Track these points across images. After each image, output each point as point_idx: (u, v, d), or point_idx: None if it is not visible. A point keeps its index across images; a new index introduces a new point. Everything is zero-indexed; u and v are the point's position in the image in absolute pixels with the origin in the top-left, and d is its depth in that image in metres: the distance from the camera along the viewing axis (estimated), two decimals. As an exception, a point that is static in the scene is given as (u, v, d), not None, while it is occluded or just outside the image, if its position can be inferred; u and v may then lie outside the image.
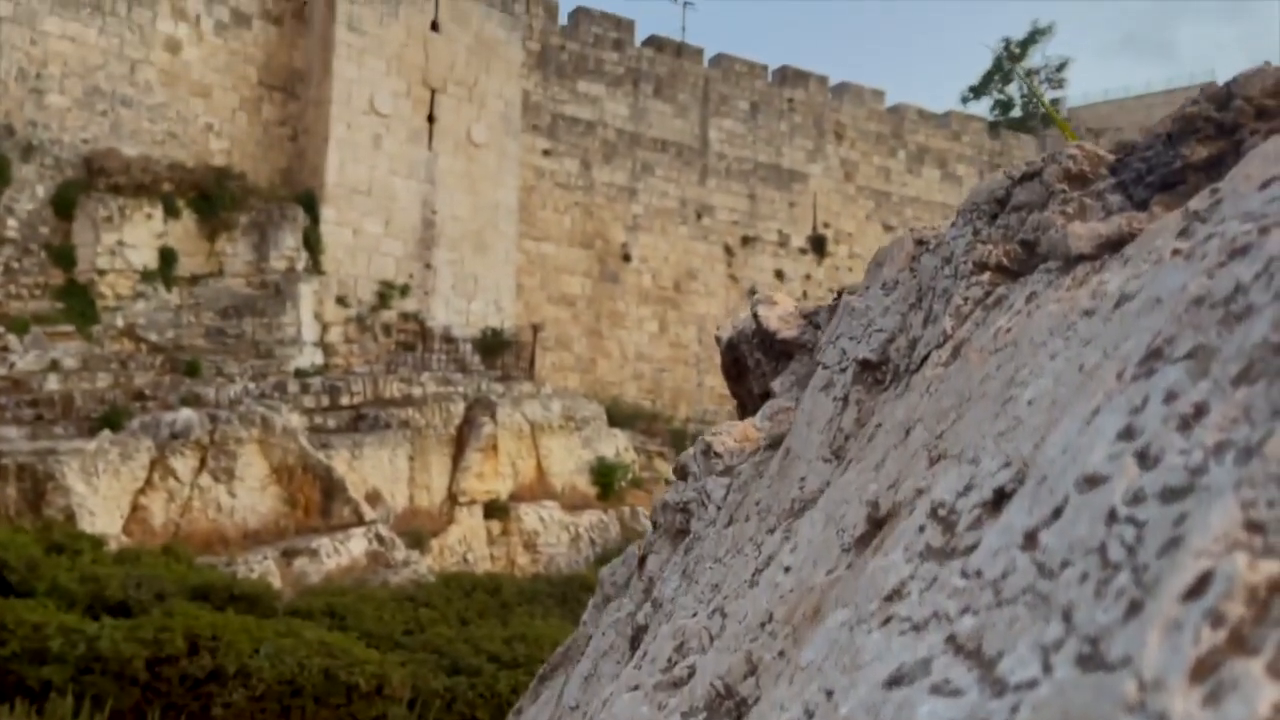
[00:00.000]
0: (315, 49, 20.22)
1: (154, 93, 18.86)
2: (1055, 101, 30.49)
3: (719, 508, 1.62)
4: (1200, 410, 0.52)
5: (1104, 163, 0.98)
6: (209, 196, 18.21)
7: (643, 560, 2.00)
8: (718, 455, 1.82)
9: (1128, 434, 0.56)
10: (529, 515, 17.23)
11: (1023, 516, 0.60)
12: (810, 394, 1.27)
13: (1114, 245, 0.84)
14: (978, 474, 0.69)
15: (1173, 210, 0.83)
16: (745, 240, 25.93)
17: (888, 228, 27.69)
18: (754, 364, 2.20)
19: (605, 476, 18.69)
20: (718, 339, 2.43)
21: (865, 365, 1.14)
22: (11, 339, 15.56)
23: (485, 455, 17.27)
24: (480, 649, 10.29)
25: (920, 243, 1.24)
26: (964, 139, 29.02)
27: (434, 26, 20.79)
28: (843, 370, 1.20)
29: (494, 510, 17.10)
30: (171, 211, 17.92)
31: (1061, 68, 30.32)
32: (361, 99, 19.85)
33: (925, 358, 0.99)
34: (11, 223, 16.86)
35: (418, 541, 15.59)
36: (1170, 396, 0.56)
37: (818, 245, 26.74)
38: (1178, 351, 0.58)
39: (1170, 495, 0.49)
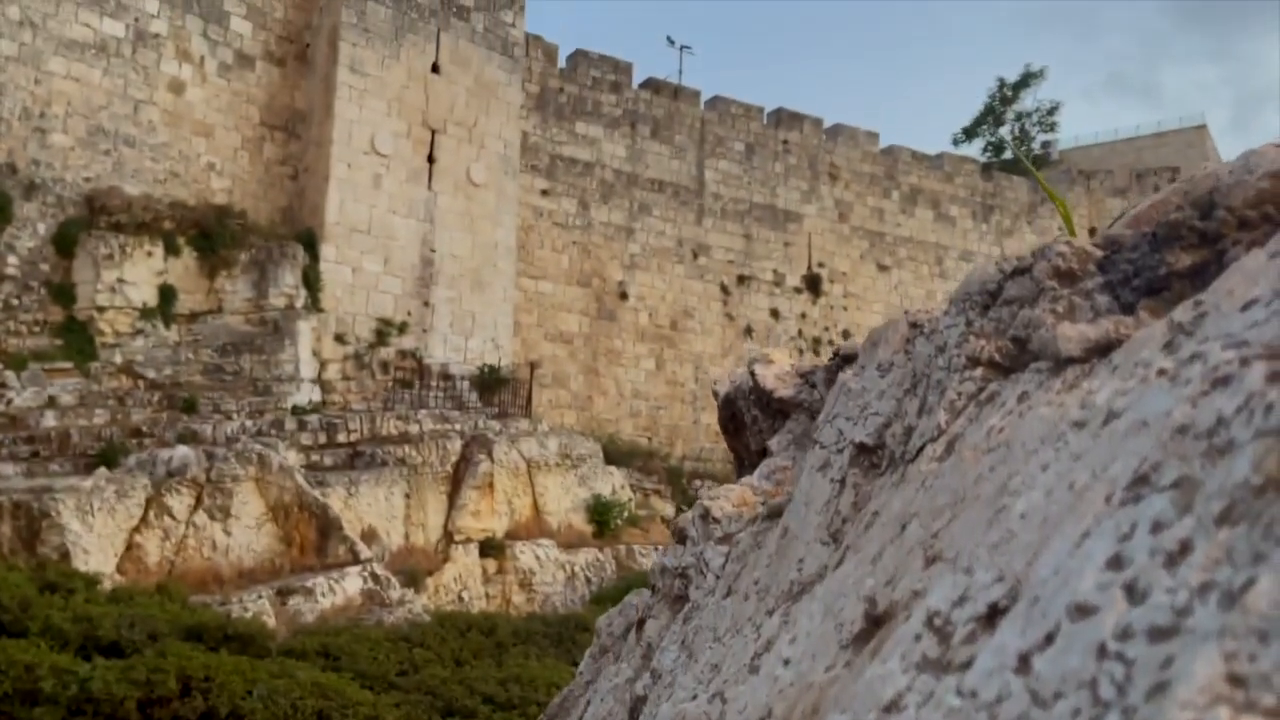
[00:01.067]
0: (317, 90, 20.45)
1: (157, 132, 19.03)
2: (1047, 144, 30.84)
3: (717, 577, 1.64)
4: (1185, 547, 0.54)
5: (1092, 259, 1.00)
6: (209, 234, 18.31)
7: (641, 623, 2.01)
8: (716, 520, 1.84)
9: (1116, 563, 0.58)
10: (525, 554, 17.14)
11: (1016, 638, 0.62)
12: (808, 473, 1.29)
13: (1102, 350, 0.86)
14: (972, 585, 0.71)
15: (1158, 316, 0.86)
16: (741, 279, 26.07)
17: (882, 267, 27.85)
18: (751, 420, 2.22)
19: (601, 514, 18.63)
20: (715, 393, 2.45)
21: (862, 449, 1.16)
22: (9, 375, 15.55)
23: (481, 493, 17.22)
24: (475, 690, 10.20)
25: (914, 325, 1.27)
26: (957, 180, 29.29)
27: (435, 69, 21.05)
28: (839, 451, 1.22)
29: (490, 548, 17.01)
30: (172, 249, 18.00)
31: (1053, 111, 30.71)
32: (362, 139, 20.04)
33: (920, 449, 1.01)
34: (12, 260, 16.92)
35: (413, 580, 15.49)
36: (1157, 527, 0.58)
37: (813, 284, 26.88)
38: (1163, 480, 0.60)
39: (1158, 635, 0.51)
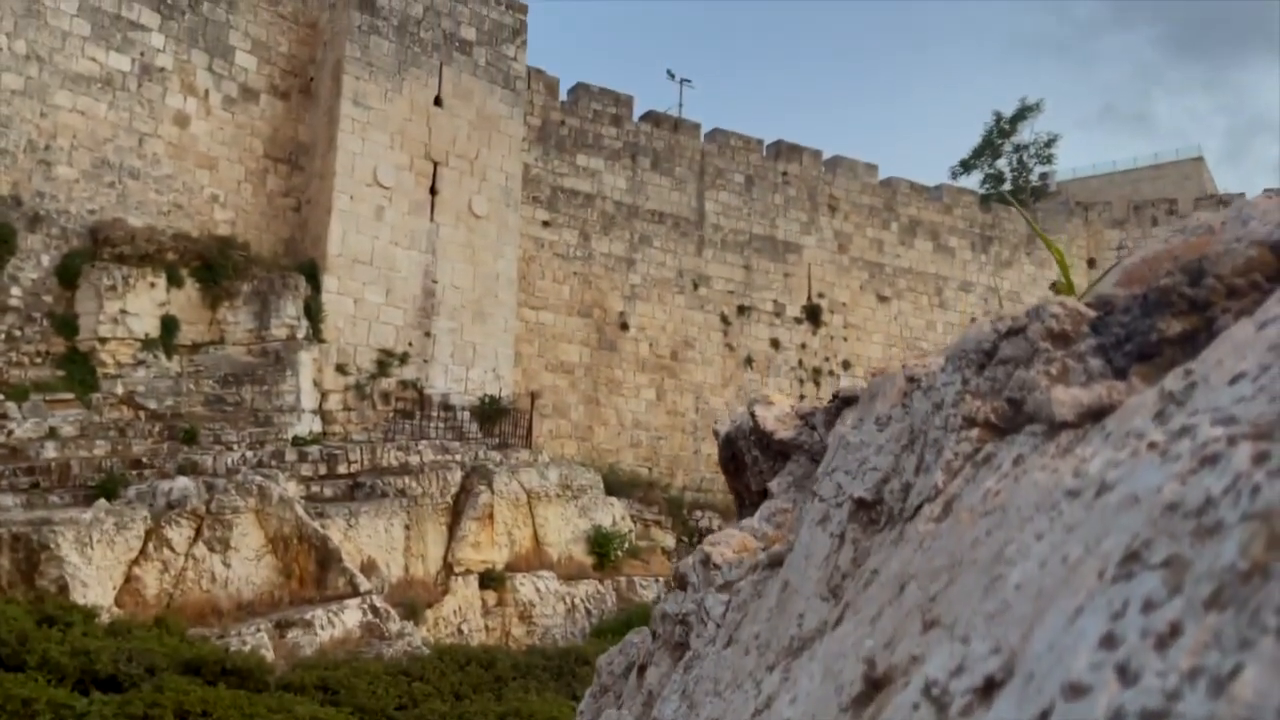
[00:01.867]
0: (321, 123, 20.63)
1: (161, 165, 19.18)
2: (1045, 176, 31.04)
3: (718, 625, 1.64)
4: (1175, 630, 0.55)
5: (1085, 320, 1.02)
6: (212, 266, 18.40)
7: (642, 669, 2.01)
8: (716, 567, 1.84)
9: (1109, 642, 0.59)
10: (525, 585, 17.05)
11: (1012, 713, 0.63)
12: (807, 526, 1.30)
13: (1095, 415, 0.88)
14: (969, 655, 0.72)
15: (1150, 382, 0.88)
16: (741, 310, 26.14)
17: (882, 298, 27.93)
18: (751, 460, 2.23)
19: (602, 546, 18.54)
20: (716, 433, 2.47)
21: (860, 504, 1.17)
22: (11, 406, 15.56)
23: (481, 524, 17.16)
24: (474, 726, 10.11)
25: (912, 380, 1.28)
26: (955, 212, 29.45)
27: (437, 102, 21.24)
28: (839, 505, 1.23)
29: (490, 580, 16.92)
30: (175, 280, 18.07)
31: (1051, 143, 30.94)
32: (365, 171, 20.18)
33: (918, 508, 1.02)
34: (15, 291, 16.99)
35: (412, 612, 15.40)
36: (1148, 606, 0.59)
37: (813, 315, 26.95)
38: (1154, 558, 0.62)
39: (1149, 718, 0.52)
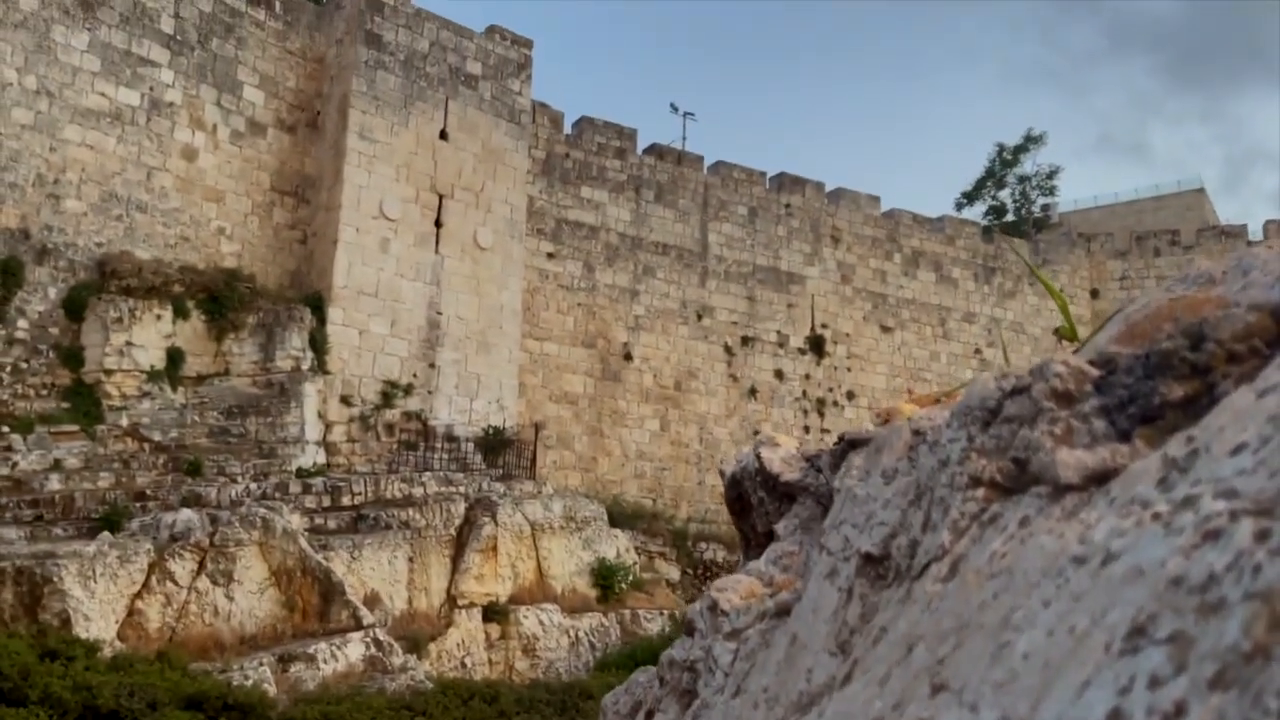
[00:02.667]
0: (327, 156, 20.81)
1: (169, 198, 19.33)
2: (1046, 207, 31.19)
3: (726, 674, 1.64)
4: (1180, 709, 0.57)
5: (1089, 379, 1.04)
6: (218, 298, 18.49)
7: (650, 715, 2.01)
8: (724, 613, 1.85)
9: (1116, 718, 0.60)
10: (528, 618, 16.95)
11: (1020, 786, 0.63)
12: (815, 580, 1.31)
13: (1099, 478, 0.89)
14: (977, 724, 0.73)
15: (1153, 445, 0.89)
16: (745, 340, 26.18)
17: (885, 329, 27.96)
18: (757, 501, 2.24)
19: (606, 578, 18.45)
20: (721, 473, 2.48)
21: (868, 559, 1.18)
22: (16, 439, 15.58)
23: (485, 556, 17.09)
24: (478, 763, 10.02)
25: (917, 433, 1.30)
26: (958, 243, 29.55)
27: (443, 135, 21.43)
28: (846, 559, 1.24)
29: (493, 613, 16.83)
30: (181, 313, 18.16)
31: (1053, 175, 31.10)
32: (371, 204, 20.33)
33: (926, 567, 1.03)
34: (22, 324, 17.07)
35: (415, 646, 15.30)
36: (1154, 683, 0.60)
37: (816, 345, 26.98)
38: (1160, 633, 0.63)
39: (1154, 800, 0.53)
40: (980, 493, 1.01)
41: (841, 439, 1.95)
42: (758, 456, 2.24)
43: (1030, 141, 30.91)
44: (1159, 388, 0.92)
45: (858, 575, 1.19)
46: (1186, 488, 0.74)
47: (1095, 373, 1.05)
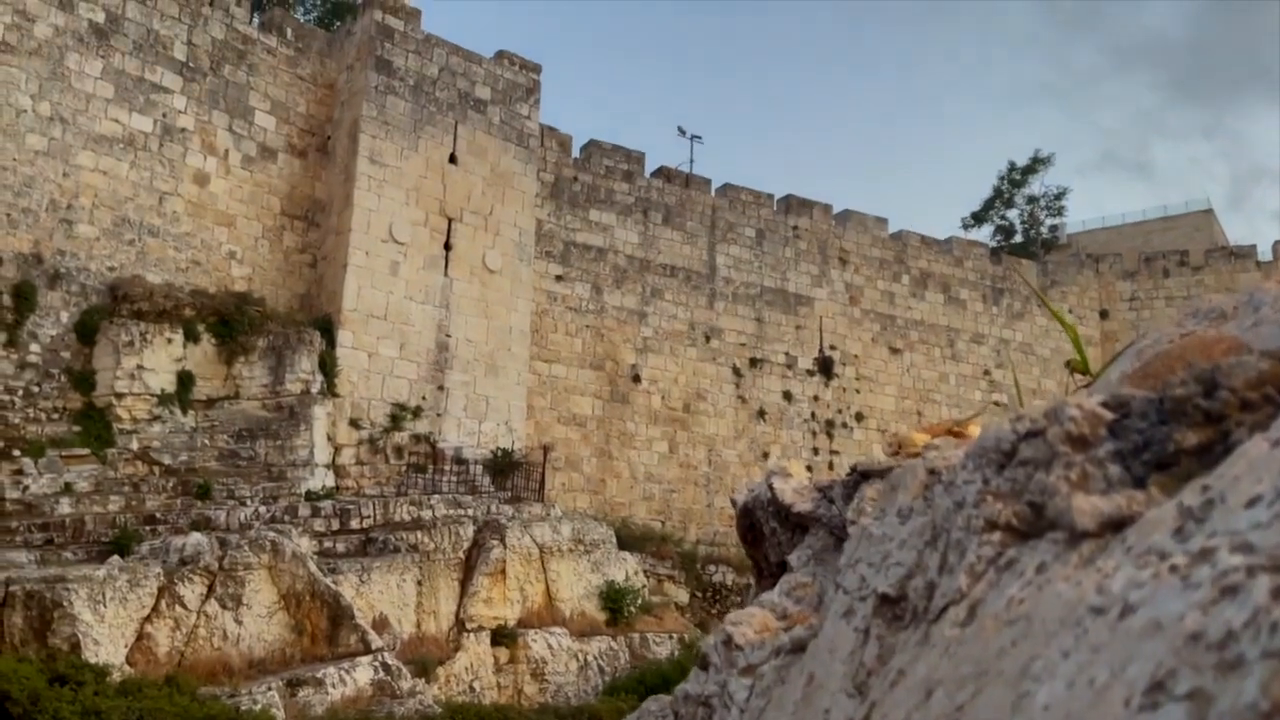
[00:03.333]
0: (337, 180, 20.96)
1: (180, 222, 19.49)
2: (1054, 228, 31.21)
3: (742, 710, 1.65)
4: (1200, 768, 0.57)
5: (1103, 423, 1.04)
6: (229, 321, 18.59)
7: (664, 749, 2.00)
8: (739, 648, 1.85)
9: (1136, 775, 0.61)
10: (537, 642, 16.88)
11: (1043, 841, 0.64)
12: (832, 619, 1.32)
13: (1115, 525, 0.90)
14: (998, 775, 0.73)
15: (1168, 492, 0.90)
16: (753, 362, 26.18)
17: (894, 350, 27.93)
18: (770, 531, 2.25)
19: (615, 602, 18.37)
20: (733, 502, 2.48)
21: (885, 600, 1.19)
22: (27, 462, 15.65)
23: (494, 580, 17.05)
24: (486, 789, 9.96)
25: (933, 472, 1.31)
26: (966, 264, 29.56)
27: (452, 159, 21.59)
28: (863, 599, 1.25)
29: (502, 637, 16.76)
30: (192, 336, 18.26)
31: (1060, 196, 31.14)
32: (380, 227, 20.45)
33: (943, 610, 1.04)
34: (34, 348, 17.18)
35: (424, 670, 15.25)
36: (1173, 740, 0.61)
37: (825, 367, 26.96)
38: (1179, 689, 0.64)
39: None
40: (996, 536, 1.02)
41: (854, 470, 1.96)
42: (770, 487, 2.24)
43: (1038, 162, 30.99)
44: (1173, 434, 0.93)
45: (874, 615, 1.20)
46: (1203, 539, 0.75)
47: (1109, 415, 1.06)
